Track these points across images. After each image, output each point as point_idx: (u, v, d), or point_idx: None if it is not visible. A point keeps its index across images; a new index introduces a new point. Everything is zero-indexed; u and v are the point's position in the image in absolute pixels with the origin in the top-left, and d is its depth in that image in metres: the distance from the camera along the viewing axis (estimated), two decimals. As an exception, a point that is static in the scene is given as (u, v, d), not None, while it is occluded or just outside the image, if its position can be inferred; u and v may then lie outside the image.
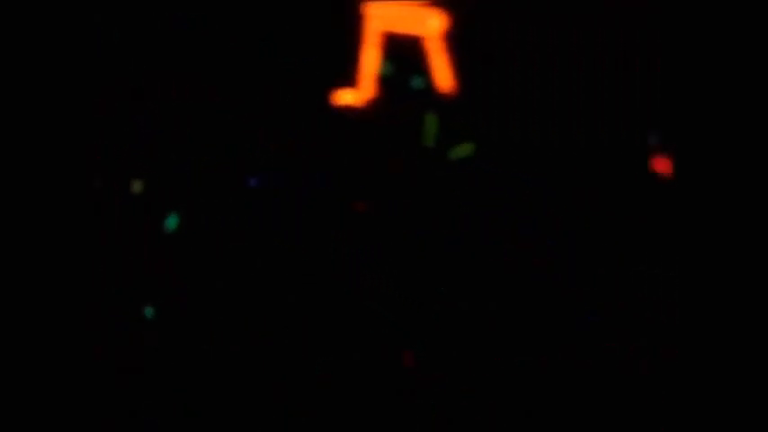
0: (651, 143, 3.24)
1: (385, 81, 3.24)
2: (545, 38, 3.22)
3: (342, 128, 3.24)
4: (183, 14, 3.24)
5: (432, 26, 3.21)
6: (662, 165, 3.29)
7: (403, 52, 3.23)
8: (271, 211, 3.19)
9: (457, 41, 3.19)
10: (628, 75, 3.28)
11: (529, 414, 3.17)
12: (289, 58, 3.24)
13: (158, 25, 3.24)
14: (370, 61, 3.22)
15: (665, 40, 3.24)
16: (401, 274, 3.19)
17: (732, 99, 3.27)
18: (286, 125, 3.24)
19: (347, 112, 3.24)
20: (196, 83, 3.26)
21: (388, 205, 3.20)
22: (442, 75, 3.21)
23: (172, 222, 3.08)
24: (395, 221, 3.21)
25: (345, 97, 3.24)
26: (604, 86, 3.26)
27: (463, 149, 3.15)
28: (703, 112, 3.23)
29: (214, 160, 3.20)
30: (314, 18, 3.23)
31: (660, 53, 3.23)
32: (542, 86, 3.24)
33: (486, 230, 3.21)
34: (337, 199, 3.21)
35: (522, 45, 3.18)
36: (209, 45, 3.23)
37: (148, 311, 2.97)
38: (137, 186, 3.08)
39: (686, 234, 3.28)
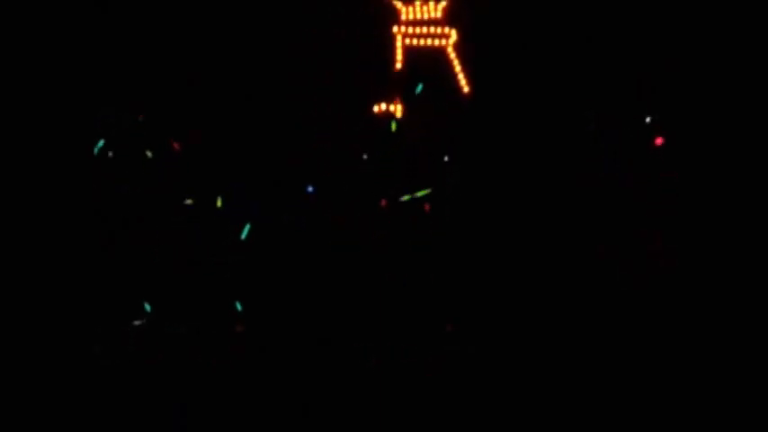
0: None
1: (412, 90, 3.75)
2: (540, 46, 3.72)
3: (379, 134, 3.75)
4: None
5: (449, 39, 3.70)
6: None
7: (426, 62, 3.74)
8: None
9: (468, 50, 3.72)
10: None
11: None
12: (333, 77, 3.77)
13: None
14: (400, 73, 3.75)
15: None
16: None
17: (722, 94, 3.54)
18: (333, 136, 3.76)
19: (383, 119, 3.73)
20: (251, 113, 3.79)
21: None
22: (459, 77, 3.76)
23: (245, 231, 3.66)
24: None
25: (381, 106, 3.74)
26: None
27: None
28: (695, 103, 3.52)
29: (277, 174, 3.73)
30: (352, 40, 3.77)
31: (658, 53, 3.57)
32: (541, 86, 3.72)
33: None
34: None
35: (519, 51, 3.73)
36: (266, 83, 3.81)
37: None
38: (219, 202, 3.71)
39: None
